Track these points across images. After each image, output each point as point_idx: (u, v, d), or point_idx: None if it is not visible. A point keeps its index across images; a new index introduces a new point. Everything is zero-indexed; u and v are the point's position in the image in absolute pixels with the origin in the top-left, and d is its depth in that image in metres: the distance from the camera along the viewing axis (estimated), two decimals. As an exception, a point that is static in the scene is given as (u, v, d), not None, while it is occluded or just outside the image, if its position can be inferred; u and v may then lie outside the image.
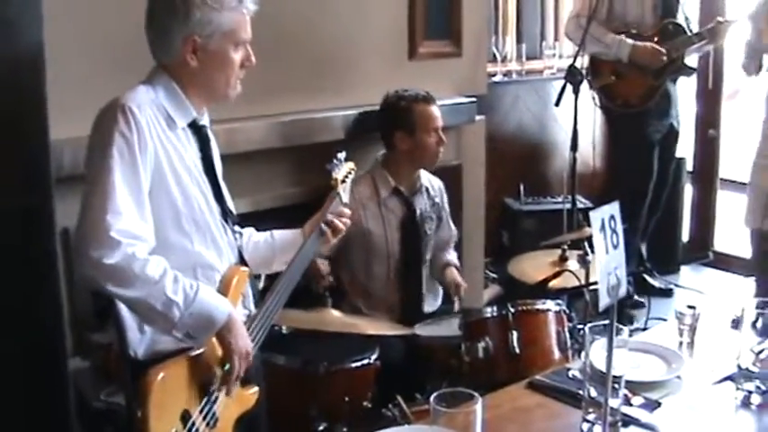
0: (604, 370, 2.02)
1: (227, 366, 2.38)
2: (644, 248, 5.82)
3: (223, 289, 2.45)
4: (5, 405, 2.52)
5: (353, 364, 3.22)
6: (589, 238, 3.38)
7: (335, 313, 3.34)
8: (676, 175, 5.91)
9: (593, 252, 3.21)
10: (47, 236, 2.55)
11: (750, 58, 4.47)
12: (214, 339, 2.36)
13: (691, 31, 5.31)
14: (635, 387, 2.32)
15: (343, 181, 2.88)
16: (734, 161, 6.33)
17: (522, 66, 5.98)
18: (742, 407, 2.34)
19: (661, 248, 6.03)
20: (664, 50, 5.17)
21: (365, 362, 3.24)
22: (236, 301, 2.49)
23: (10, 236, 2.47)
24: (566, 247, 3.92)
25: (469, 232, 4.74)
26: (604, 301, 2.02)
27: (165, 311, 2.25)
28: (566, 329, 3.35)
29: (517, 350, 3.24)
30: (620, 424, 2.13)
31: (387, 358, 3.33)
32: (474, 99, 4.65)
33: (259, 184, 3.84)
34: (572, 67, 4.36)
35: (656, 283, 5.85)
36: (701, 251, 6.53)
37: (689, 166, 6.38)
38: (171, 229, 2.39)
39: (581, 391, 2.19)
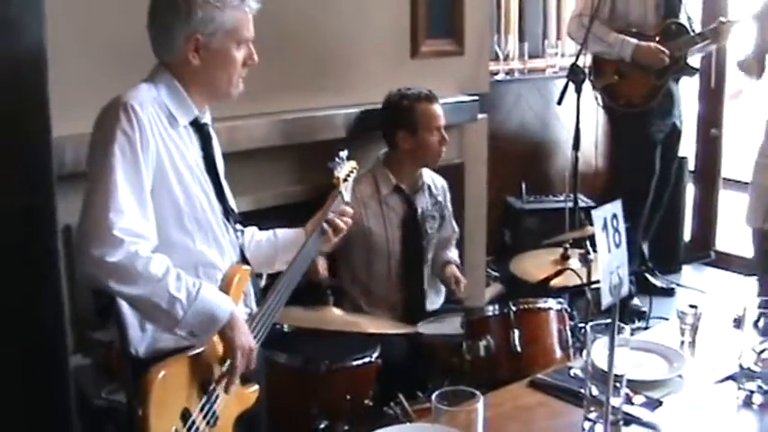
0: (606, 369, 2.02)
1: (227, 363, 2.38)
2: (646, 248, 5.81)
3: (224, 287, 2.45)
4: (7, 403, 2.52)
5: (355, 363, 3.22)
6: (591, 237, 3.39)
7: (337, 312, 3.34)
8: (678, 175, 5.91)
9: (594, 251, 3.21)
10: (48, 233, 2.55)
11: (755, 59, 4.47)
12: (216, 337, 2.36)
13: (693, 31, 5.30)
14: (636, 386, 2.32)
15: (345, 180, 2.88)
16: (736, 160, 6.32)
17: (524, 64, 5.98)
18: (743, 406, 2.34)
19: (663, 248, 6.02)
20: (666, 50, 5.16)
21: (366, 360, 3.24)
22: (238, 299, 2.49)
23: (12, 233, 2.47)
24: (567, 245, 3.92)
25: (471, 231, 4.74)
26: (606, 300, 2.02)
27: (169, 309, 2.25)
28: (567, 328, 3.35)
29: (519, 349, 3.24)
30: (621, 423, 2.13)
31: (388, 356, 3.32)
32: (476, 98, 4.64)
33: (261, 183, 3.84)
34: (574, 65, 4.36)
35: (657, 282, 5.85)
36: (703, 250, 6.52)
37: (691, 165, 6.37)
38: (173, 228, 2.39)
39: (582, 390, 2.19)
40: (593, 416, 2.14)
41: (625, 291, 2.06)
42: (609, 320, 2.00)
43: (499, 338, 3.27)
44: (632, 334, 2.37)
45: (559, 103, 4.37)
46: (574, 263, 3.81)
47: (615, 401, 2.09)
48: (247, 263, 2.62)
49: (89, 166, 2.33)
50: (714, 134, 6.39)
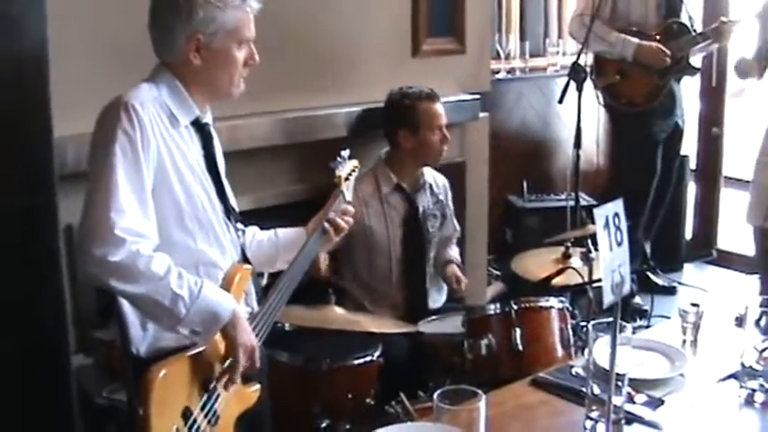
0: (608, 367, 2.02)
1: (229, 361, 2.38)
2: (648, 246, 5.81)
3: (226, 286, 2.45)
4: (9, 402, 2.52)
5: (356, 361, 3.22)
6: (592, 236, 3.39)
7: (339, 310, 3.34)
8: (680, 174, 5.90)
9: (596, 249, 3.21)
10: (50, 233, 2.55)
11: (756, 60, 4.47)
12: (218, 336, 2.36)
13: (695, 30, 5.30)
14: (638, 385, 2.32)
15: (347, 179, 2.88)
16: (738, 159, 6.32)
17: (525, 63, 5.97)
18: (745, 405, 2.34)
19: (664, 246, 6.02)
20: (668, 50, 5.16)
21: (368, 359, 3.24)
22: (239, 298, 2.49)
23: (13, 233, 2.47)
24: (569, 244, 3.91)
25: (473, 229, 4.73)
26: (608, 299, 2.01)
27: (171, 307, 2.25)
28: (569, 327, 3.35)
29: (520, 347, 3.24)
30: (623, 421, 2.13)
31: (390, 355, 3.33)
32: (477, 96, 4.64)
33: (262, 182, 3.84)
34: (576, 64, 4.36)
35: (659, 280, 5.85)
36: (705, 249, 6.52)
37: (692, 164, 6.37)
38: (174, 227, 2.39)
39: (584, 389, 2.19)
40: (594, 415, 2.14)
41: (627, 289, 2.05)
42: (610, 319, 2.00)
43: (501, 337, 3.27)
44: (634, 332, 2.37)
45: (561, 101, 4.37)
46: (575, 261, 3.81)
47: (617, 400, 2.08)
48: (248, 262, 2.62)
49: (90, 166, 2.33)
50: (715, 133, 6.38)
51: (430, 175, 3.99)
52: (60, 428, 2.69)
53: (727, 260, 6.37)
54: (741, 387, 2.37)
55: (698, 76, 5.87)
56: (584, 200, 5.04)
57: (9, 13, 2.39)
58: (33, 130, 2.50)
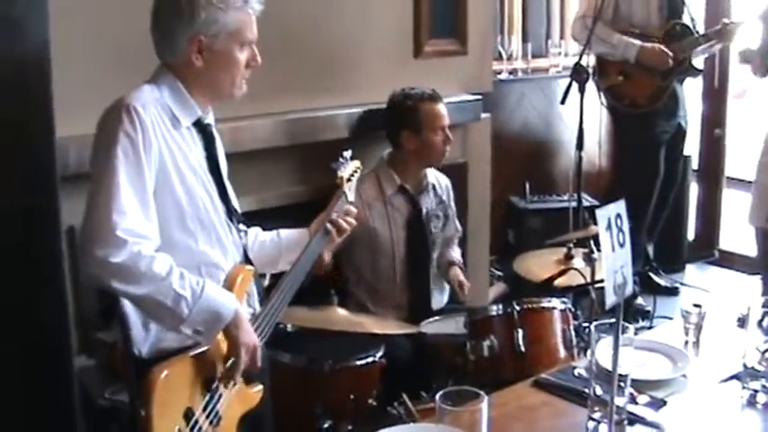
0: (610, 368, 2.02)
1: (230, 361, 2.38)
2: (651, 247, 5.80)
3: (227, 287, 2.45)
4: (11, 403, 2.53)
5: (358, 362, 3.22)
6: (595, 237, 3.38)
7: (341, 311, 3.33)
8: (682, 174, 5.90)
9: (598, 250, 3.21)
10: (52, 234, 2.56)
11: (760, 56, 4.47)
12: (220, 336, 2.36)
13: (697, 32, 5.30)
14: (641, 385, 2.32)
15: (349, 180, 2.87)
16: (740, 160, 6.32)
17: (527, 64, 5.98)
18: (748, 406, 2.34)
19: (666, 247, 6.02)
20: (670, 53, 5.15)
21: (370, 360, 3.24)
22: (241, 299, 2.48)
23: (15, 234, 2.47)
24: (571, 245, 3.91)
25: (475, 230, 4.74)
26: (610, 300, 2.02)
27: (174, 307, 2.25)
28: (571, 328, 3.35)
29: (522, 348, 3.23)
30: (625, 422, 2.13)
31: (392, 356, 3.33)
32: (480, 97, 4.64)
33: (264, 183, 3.84)
34: (578, 65, 4.37)
35: (661, 281, 5.84)
36: (707, 249, 6.52)
37: (694, 164, 6.37)
38: (175, 229, 2.39)
39: (587, 390, 2.19)
40: (597, 415, 2.14)
41: (629, 290, 2.05)
42: (613, 320, 2.00)
43: (503, 338, 3.26)
44: (636, 333, 2.37)
45: (563, 102, 4.37)
46: (578, 262, 3.81)
47: (619, 401, 2.09)
48: (250, 263, 2.62)
49: (92, 168, 2.34)
50: (717, 134, 6.38)
51: (433, 175, 3.99)
52: (62, 429, 2.70)
53: (730, 261, 6.36)
54: (743, 388, 2.37)
55: (700, 78, 5.87)
56: (587, 201, 5.04)
57: (11, 14, 2.40)
58: (35, 130, 2.50)
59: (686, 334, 2.74)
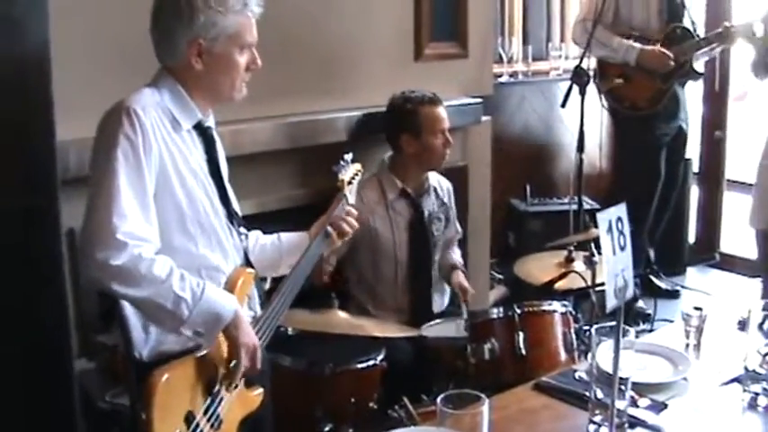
0: (611, 371, 2.02)
1: (233, 363, 2.38)
2: (652, 251, 5.80)
3: (228, 290, 2.44)
4: (11, 405, 2.52)
5: (359, 365, 3.22)
6: (596, 240, 3.38)
7: (342, 314, 3.33)
8: (683, 177, 5.90)
9: (599, 253, 3.21)
10: (52, 237, 2.56)
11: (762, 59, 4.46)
12: (221, 338, 2.35)
13: (697, 35, 5.30)
14: (641, 389, 2.31)
15: (350, 183, 2.88)
16: (741, 162, 6.32)
17: (528, 67, 5.98)
18: (749, 409, 2.33)
19: (667, 250, 6.02)
20: (671, 55, 5.16)
21: (371, 363, 3.24)
22: (242, 302, 2.48)
23: (15, 237, 2.47)
24: (572, 248, 3.91)
25: (475, 233, 4.73)
26: (611, 303, 2.01)
27: (174, 309, 2.25)
28: (572, 331, 3.35)
29: (523, 351, 3.24)
30: (626, 426, 2.13)
31: (393, 359, 3.32)
32: (480, 100, 4.65)
33: (264, 186, 3.84)
34: (578, 68, 4.36)
35: (662, 284, 5.84)
36: (708, 252, 6.52)
37: (695, 167, 6.37)
38: (175, 232, 2.39)
39: (587, 393, 2.18)
40: (597, 419, 2.13)
41: (630, 293, 2.05)
42: (614, 323, 2.00)
43: (504, 341, 3.27)
44: (637, 336, 2.37)
45: (563, 105, 4.37)
46: (578, 265, 3.80)
47: (620, 404, 2.09)
48: (251, 266, 2.62)
49: (92, 171, 2.33)
50: (718, 136, 6.38)
51: (434, 178, 3.99)
52: (63, 432, 2.70)
53: (730, 263, 6.36)
54: (744, 391, 2.36)
55: (701, 81, 5.86)
56: (587, 203, 5.03)
57: (11, 14, 2.39)
58: (35, 131, 2.50)
59: (687, 337, 2.74)
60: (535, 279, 3.84)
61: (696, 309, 2.75)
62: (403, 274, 3.87)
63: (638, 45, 5.19)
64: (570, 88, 4.34)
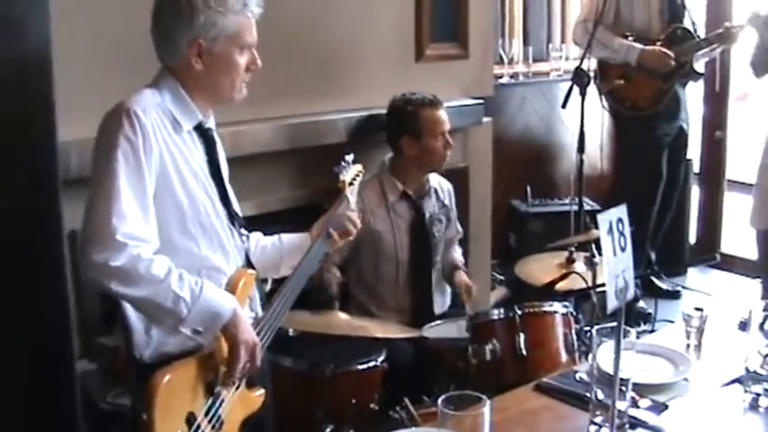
0: (612, 372, 2.02)
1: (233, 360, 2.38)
2: (653, 251, 5.80)
3: (230, 291, 2.44)
4: (13, 406, 2.52)
5: (360, 366, 3.22)
6: (596, 241, 3.38)
7: (343, 316, 3.34)
8: (684, 177, 5.90)
9: (600, 254, 3.21)
10: (54, 238, 2.55)
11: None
12: (222, 341, 2.36)
13: (698, 36, 5.30)
14: (642, 389, 2.31)
15: (351, 183, 2.88)
16: (742, 163, 6.32)
17: (528, 68, 5.99)
18: (750, 410, 2.33)
19: (668, 250, 6.01)
20: (672, 54, 5.16)
21: (372, 364, 3.24)
22: (243, 303, 2.49)
23: (17, 238, 2.47)
24: (573, 249, 3.91)
25: (476, 234, 4.74)
26: (612, 304, 2.02)
27: (173, 308, 2.26)
28: (573, 332, 3.35)
29: (524, 352, 3.23)
30: (627, 426, 2.13)
31: (394, 360, 3.32)
32: (481, 101, 4.65)
33: (265, 187, 3.84)
34: (579, 69, 4.36)
35: (663, 285, 5.85)
36: (708, 253, 6.52)
37: (695, 167, 6.37)
38: (176, 233, 2.40)
39: (588, 394, 2.19)
40: (598, 419, 2.14)
41: (631, 294, 2.06)
42: (614, 324, 2.00)
43: (505, 342, 3.26)
44: (638, 337, 2.37)
45: (564, 106, 4.37)
46: (579, 266, 3.80)
47: (621, 405, 2.09)
48: (252, 267, 2.62)
49: (92, 172, 2.34)
50: (719, 136, 6.39)
51: (435, 180, 3.99)
52: (64, 434, 2.70)
53: (731, 264, 6.36)
54: (745, 391, 2.36)
55: (701, 81, 5.86)
56: (588, 204, 5.03)
57: (12, 15, 2.39)
58: (37, 132, 2.50)
59: (688, 337, 2.74)
60: (536, 280, 3.84)
61: (697, 309, 2.75)
62: (404, 275, 3.87)
63: (638, 45, 5.19)
64: (571, 89, 4.35)
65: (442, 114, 3.83)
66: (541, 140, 6.15)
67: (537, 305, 3.35)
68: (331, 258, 3.62)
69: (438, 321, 3.69)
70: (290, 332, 3.30)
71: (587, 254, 3.75)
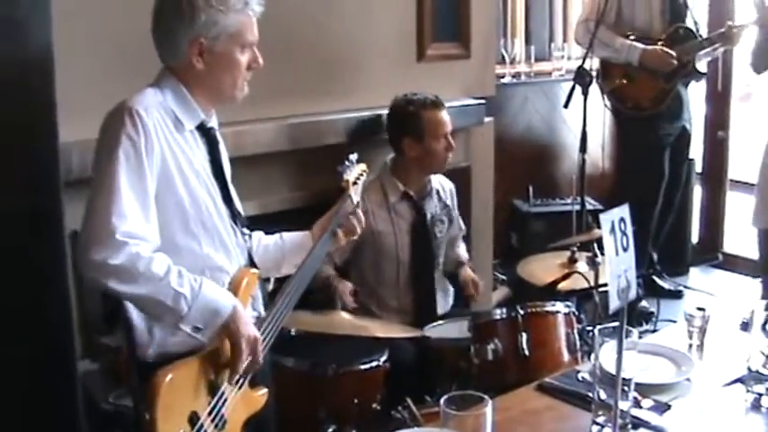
0: (614, 372, 2.01)
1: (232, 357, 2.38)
2: (655, 251, 5.80)
3: (233, 291, 2.45)
4: (14, 407, 2.52)
5: (362, 366, 3.22)
6: (598, 240, 3.38)
7: (345, 315, 3.33)
8: (686, 177, 5.89)
9: (602, 254, 3.21)
10: (55, 239, 2.56)
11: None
12: (224, 338, 2.35)
13: (700, 35, 5.30)
14: (645, 389, 2.31)
15: (355, 183, 2.87)
16: (745, 162, 6.31)
17: (530, 67, 5.98)
18: (752, 409, 2.33)
19: (670, 250, 6.01)
20: (674, 54, 5.16)
21: (374, 364, 3.24)
22: (246, 302, 2.49)
23: (19, 238, 2.47)
24: (575, 248, 3.91)
25: (478, 234, 4.73)
26: (614, 304, 2.01)
27: (173, 305, 2.26)
28: (575, 331, 3.34)
29: (526, 352, 3.23)
30: (629, 426, 2.13)
31: (396, 360, 3.32)
32: (483, 101, 4.65)
33: (267, 187, 3.84)
34: (581, 68, 4.36)
35: (665, 284, 5.84)
36: (711, 253, 6.51)
37: (698, 167, 6.37)
38: (178, 232, 2.40)
39: (591, 394, 2.19)
40: (601, 420, 2.13)
41: (633, 294, 2.05)
42: (617, 324, 2.00)
43: (507, 342, 3.26)
44: (640, 337, 2.37)
45: (566, 106, 4.36)
46: (581, 266, 3.81)
47: (623, 405, 2.08)
48: (255, 266, 2.62)
49: (94, 171, 2.34)
50: (721, 136, 6.38)
51: (436, 180, 3.98)
52: (66, 434, 2.70)
53: (733, 264, 6.36)
54: (748, 391, 2.36)
55: (703, 81, 5.86)
56: (590, 204, 5.03)
57: (14, 16, 2.39)
58: (38, 133, 2.50)
59: (690, 337, 2.74)
60: (538, 280, 3.84)
61: (699, 309, 2.75)
62: (405, 276, 3.87)
63: (640, 45, 5.19)
64: (573, 89, 4.34)
65: (444, 116, 3.82)
66: (543, 140, 6.15)
67: (539, 305, 3.35)
68: (332, 259, 3.63)
69: (440, 321, 3.69)
70: (292, 332, 3.30)
71: (589, 254, 3.75)
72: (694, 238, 6.48)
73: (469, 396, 1.88)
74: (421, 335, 3.48)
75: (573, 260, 3.88)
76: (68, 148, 2.80)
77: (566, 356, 3.28)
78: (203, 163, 2.49)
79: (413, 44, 4.41)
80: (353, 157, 2.91)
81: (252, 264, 2.62)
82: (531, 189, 5.74)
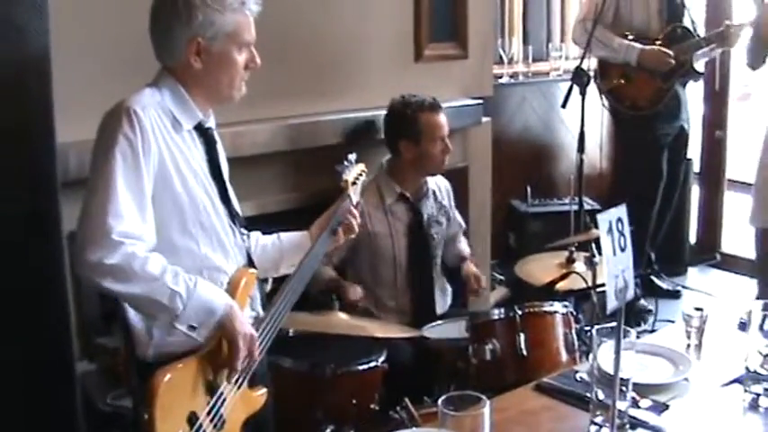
0: (612, 372, 2.02)
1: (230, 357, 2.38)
2: (652, 251, 5.80)
3: (231, 291, 2.45)
4: (13, 408, 2.53)
5: (360, 367, 3.22)
6: (596, 240, 3.38)
7: (343, 316, 3.33)
8: (684, 177, 5.89)
9: (600, 254, 3.21)
10: (53, 240, 2.56)
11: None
12: (223, 341, 2.36)
13: (698, 35, 5.30)
14: (642, 389, 2.31)
15: (354, 182, 2.87)
16: (742, 162, 6.31)
17: (528, 67, 5.99)
18: (750, 409, 2.33)
19: (668, 250, 6.01)
20: (672, 54, 5.16)
21: (372, 364, 3.24)
22: (244, 303, 2.49)
23: (17, 239, 2.47)
24: (573, 248, 3.91)
25: (476, 234, 4.73)
26: (612, 304, 2.01)
27: (169, 304, 2.27)
28: (573, 331, 3.35)
29: (524, 352, 3.23)
30: (627, 426, 2.13)
31: (394, 360, 3.32)
32: (480, 101, 4.64)
33: (264, 188, 3.84)
34: (578, 68, 4.36)
35: (663, 284, 5.84)
36: (709, 252, 6.51)
37: (696, 167, 6.37)
38: (176, 232, 2.40)
39: (588, 394, 2.19)
40: (599, 420, 2.13)
41: (630, 294, 2.05)
42: (614, 324, 2.00)
43: (505, 342, 3.26)
44: (638, 337, 2.37)
45: (564, 106, 4.36)
46: (579, 266, 3.80)
47: (621, 405, 2.09)
48: (254, 266, 2.62)
49: (91, 171, 2.34)
50: (719, 136, 6.38)
51: (432, 181, 3.97)
52: (64, 434, 2.70)
53: (731, 264, 6.36)
54: (745, 391, 2.36)
55: (701, 81, 5.86)
56: (588, 204, 5.03)
57: (12, 19, 2.40)
58: (36, 134, 2.50)
59: (688, 337, 2.74)
60: (536, 280, 3.84)
61: (697, 309, 2.74)
62: (402, 277, 3.86)
63: (638, 45, 5.19)
64: (571, 89, 4.34)
65: (442, 118, 3.80)
66: (541, 140, 6.15)
67: (537, 305, 3.35)
68: (330, 259, 3.63)
69: (438, 321, 3.69)
70: (290, 332, 3.30)
71: (587, 254, 3.75)
72: (692, 238, 6.48)
73: (467, 396, 1.88)
74: (419, 335, 3.48)
75: (571, 260, 3.88)
76: (66, 148, 2.80)
77: (564, 356, 3.28)
78: (201, 163, 2.49)
79: (410, 44, 4.41)
80: (352, 156, 2.91)
81: (250, 264, 2.62)
82: (528, 189, 5.74)
